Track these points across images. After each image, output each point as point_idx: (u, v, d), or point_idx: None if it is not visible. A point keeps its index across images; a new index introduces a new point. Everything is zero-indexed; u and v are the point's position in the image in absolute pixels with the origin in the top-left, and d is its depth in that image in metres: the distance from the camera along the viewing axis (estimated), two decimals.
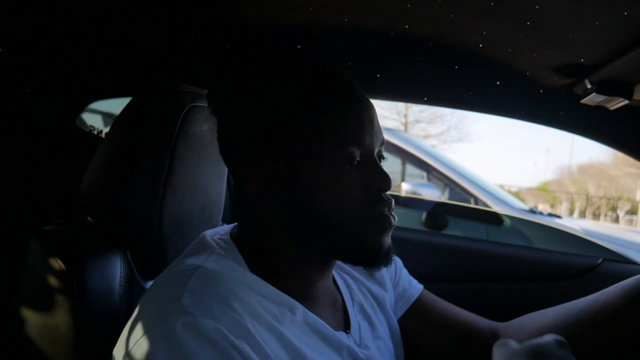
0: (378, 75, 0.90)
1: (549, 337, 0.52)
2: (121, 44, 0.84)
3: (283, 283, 0.60)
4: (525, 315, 0.78)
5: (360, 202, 0.58)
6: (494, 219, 2.28)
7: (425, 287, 0.84)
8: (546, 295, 1.21)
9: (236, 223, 0.69)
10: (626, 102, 0.73)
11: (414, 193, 3.01)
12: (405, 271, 0.83)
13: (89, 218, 0.80)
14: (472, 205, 2.79)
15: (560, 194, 22.50)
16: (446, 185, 3.12)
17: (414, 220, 2.20)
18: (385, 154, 0.64)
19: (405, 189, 3.14)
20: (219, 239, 0.64)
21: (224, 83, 0.65)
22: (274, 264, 0.61)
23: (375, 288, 0.75)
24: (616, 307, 0.65)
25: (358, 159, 0.58)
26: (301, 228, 0.59)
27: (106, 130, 1.26)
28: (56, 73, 1.04)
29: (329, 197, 0.57)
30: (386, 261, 0.61)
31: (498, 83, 0.87)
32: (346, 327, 0.67)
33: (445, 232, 2.12)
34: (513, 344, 0.55)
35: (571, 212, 19.27)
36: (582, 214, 19.37)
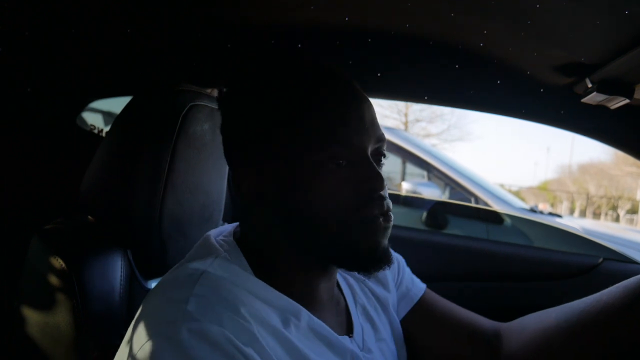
0: (378, 75, 0.90)
1: None
2: (121, 44, 0.84)
3: (286, 286, 0.60)
4: (527, 315, 0.78)
5: (350, 203, 0.56)
6: (495, 218, 2.27)
7: (420, 281, 0.84)
8: (547, 295, 1.21)
9: (237, 223, 0.69)
10: (627, 101, 0.73)
11: (415, 192, 3.01)
12: (408, 270, 0.83)
13: (89, 217, 0.80)
14: (473, 205, 2.79)
15: (560, 193, 22.49)
16: (446, 184, 3.11)
17: (415, 219, 2.20)
18: (385, 153, 0.63)
19: (405, 188, 3.14)
20: (223, 240, 0.64)
21: (227, 83, 0.65)
22: (275, 266, 0.61)
23: (377, 289, 0.75)
24: (618, 307, 0.65)
25: (346, 159, 0.57)
26: (293, 230, 0.59)
27: (106, 129, 1.26)
28: (56, 73, 1.04)
29: (316, 198, 0.56)
30: (380, 265, 0.59)
31: (498, 82, 0.87)
32: (349, 330, 0.67)
33: (445, 231, 2.12)
34: None
35: (572, 211, 19.26)
36: (583, 213, 19.37)
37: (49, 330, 0.70)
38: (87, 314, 0.69)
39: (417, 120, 15.22)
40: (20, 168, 1.17)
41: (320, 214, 0.56)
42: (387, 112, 14.10)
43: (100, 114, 1.54)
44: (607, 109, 0.78)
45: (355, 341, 0.65)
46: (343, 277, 0.73)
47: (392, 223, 0.60)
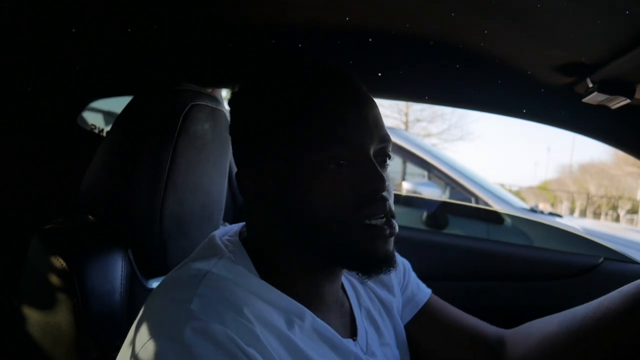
0: (379, 75, 0.90)
1: None
2: (121, 43, 0.84)
3: (289, 287, 0.59)
4: (530, 322, 0.78)
5: (350, 204, 0.56)
6: (495, 217, 2.27)
7: (426, 286, 0.84)
8: (547, 294, 1.21)
9: (244, 223, 0.68)
10: (628, 101, 0.73)
11: (415, 192, 3.01)
12: (413, 275, 0.83)
13: (90, 217, 0.80)
14: (473, 204, 2.79)
15: (561, 193, 22.48)
16: (447, 184, 3.12)
17: (415, 219, 2.20)
18: (390, 154, 0.62)
19: (406, 187, 3.14)
20: (228, 240, 0.63)
21: (230, 83, 0.66)
22: (280, 268, 0.61)
23: (382, 293, 0.75)
24: (619, 312, 0.65)
25: (346, 159, 0.56)
26: (292, 230, 0.59)
27: (107, 129, 1.26)
28: (56, 73, 1.04)
29: (315, 198, 0.56)
30: (382, 269, 0.58)
31: (499, 82, 0.86)
32: (353, 333, 0.66)
33: (446, 231, 2.12)
34: None
35: (572, 211, 19.25)
36: (583, 213, 19.36)
37: (50, 330, 0.70)
38: (88, 314, 0.69)
39: (418, 120, 15.24)
40: (21, 168, 1.17)
41: (319, 214, 0.56)
42: (387, 111, 14.10)
43: (100, 113, 1.54)
44: (608, 108, 0.78)
45: (359, 344, 0.65)
46: (348, 280, 0.73)
47: (397, 229, 0.59)
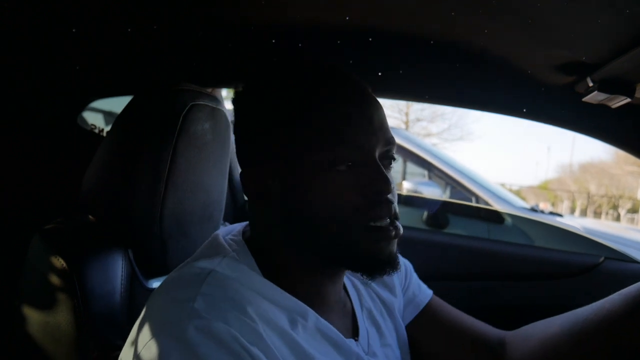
0: (379, 74, 0.89)
1: None
2: (121, 43, 0.84)
3: (292, 286, 0.59)
4: (531, 324, 0.78)
5: (356, 206, 0.56)
6: (495, 217, 2.27)
7: (427, 287, 0.84)
8: (548, 294, 1.20)
9: (247, 222, 0.68)
10: (628, 100, 0.73)
11: (415, 191, 3.01)
12: (415, 276, 0.83)
13: (90, 217, 0.80)
14: (474, 204, 2.79)
15: (561, 193, 22.47)
16: (447, 183, 3.12)
17: (415, 218, 2.20)
18: (395, 156, 0.62)
19: (406, 187, 3.14)
20: (232, 240, 0.63)
21: (231, 83, 0.66)
22: (284, 267, 0.61)
23: (384, 293, 0.75)
24: (620, 315, 0.65)
25: (351, 160, 0.56)
26: (293, 230, 0.59)
27: (107, 128, 1.26)
28: (56, 73, 1.04)
29: (319, 199, 0.56)
30: (384, 270, 0.58)
31: (499, 81, 0.86)
32: (354, 333, 0.66)
33: (446, 230, 2.12)
34: None
35: (572, 211, 19.24)
36: (584, 213, 19.35)
37: (50, 330, 0.70)
38: (88, 314, 0.69)
39: (418, 120, 15.24)
40: (21, 168, 1.17)
41: (320, 214, 0.56)
42: (388, 111, 14.04)
43: (100, 113, 1.54)
44: (608, 108, 0.78)
45: (360, 345, 0.65)
46: (350, 280, 0.73)
47: (401, 231, 0.59)
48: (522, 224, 2.23)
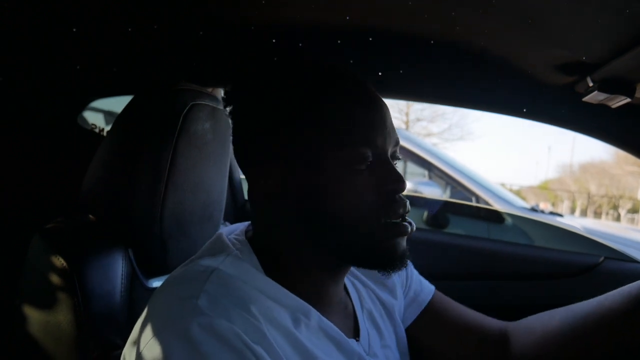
0: (379, 74, 0.89)
1: None
2: (121, 43, 0.84)
3: (296, 286, 0.60)
4: (533, 316, 0.78)
5: (373, 204, 0.57)
6: (496, 217, 2.27)
7: (429, 283, 0.84)
8: (548, 294, 1.21)
9: (250, 222, 0.68)
10: (628, 100, 0.73)
11: (416, 191, 3.01)
12: (415, 273, 0.83)
13: (90, 216, 0.80)
14: (474, 204, 2.79)
15: (561, 193, 22.46)
16: (447, 183, 3.12)
17: (416, 218, 2.20)
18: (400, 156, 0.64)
19: (406, 187, 3.13)
20: (235, 239, 0.63)
21: (238, 83, 0.65)
22: (287, 266, 0.61)
23: (384, 295, 0.75)
24: (620, 313, 0.66)
25: (370, 159, 0.58)
26: (313, 229, 0.59)
27: (108, 128, 1.27)
28: (56, 73, 1.04)
29: (340, 198, 0.57)
30: (401, 265, 0.60)
31: (499, 81, 0.86)
32: (355, 334, 0.67)
33: (446, 230, 2.12)
34: None
35: (572, 211, 19.24)
36: (584, 213, 19.34)
37: (50, 329, 0.70)
38: (88, 313, 0.69)
39: (418, 120, 15.24)
40: (21, 168, 1.17)
41: (340, 212, 0.57)
42: None
43: (101, 113, 1.54)
44: (608, 107, 0.78)
45: (361, 345, 0.65)
46: (350, 282, 0.73)
47: (414, 227, 0.60)
48: (522, 223, 2.23)
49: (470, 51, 0.75)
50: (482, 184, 3.00)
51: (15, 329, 0.73)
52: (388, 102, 0.65)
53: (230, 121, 0.64)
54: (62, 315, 0.69)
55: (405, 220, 0.60)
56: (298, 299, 0.59)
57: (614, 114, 0.80)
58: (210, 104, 0.81)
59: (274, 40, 0.77)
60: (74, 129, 1.26)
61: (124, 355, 0.54)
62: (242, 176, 1.31)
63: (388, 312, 0.74)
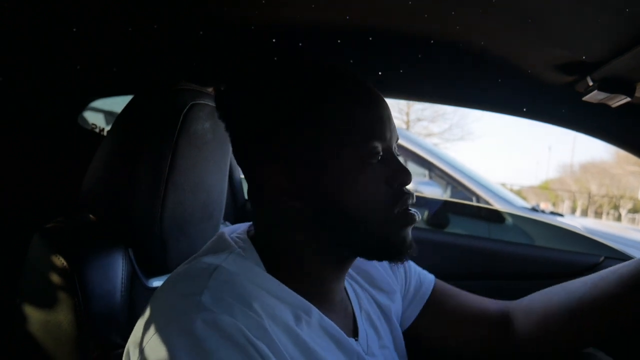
0: (379, 74, 0.90)
1: None
2: (121, 43, 0.84)
3: (299, 285, 0.60)
4: (532, 295, 0.81)
5: (384, 196, 0.59)
6: (496, 217, 2.27)
7: (427, 273, 0.85)
8: None
9: (251, 222, 0.68)
10: (628, 99, 0.73)
11: (416, 191, 3.01)
12: (413, 269, 0.83)
13: (90, 216, 0.80)
14: (474, 204, 2.79)
15: (562, 193, 22.45)
16: (448, 183, 3.11)
17: None
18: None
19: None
20: (237, 237, 0.64)
21: (239, 83, 0.65)
22: (289, 265, 0.61)
23: (381, 299, 0.75)
24: (614, 295, 0.69)
25: (381, 154, 0.59)
26: (325, 225, 0.59)
27: (108, 128, 1.27)
28: (56, 73, 1.04)
29: (354, 192, 0.58)
30: (408, 255, 0.62)
31: (500, 81, 0.86)
32: (354, 334, 0.67)
33: (447, 230, 2.12)
34: None
35: (573, 211, 19.22)
36: (584, 213, 19.33)
37: (50, 329, 0.70)
38: (89, 313, 0.69)
39: (419, 120, 15.23)
40: (21, 168, 1.17)
41: (355, 206, 0.58)
42: None
43: (101, 113, 1.54)
44: (609, 107, 0.78)
45: (360, 344, 0.66)
46: (349, 283, 0.73)
47: (419, 217, 0.63)
48: (523, 223, 2.23)
49: (470, 51, 0.75)
50: (482, 183, 3.00)
51: (16, 328, 0.73)
52: (388, 101, 0.66)
53: (225, 122, 0.64)
54: (63, 315, 0.69)
55: (411, 210, 0.62)
56: (299, 296, 0.59)
57: (614, 114, 0.80)
58: (210, 104, 0.81)
59: (274, 40, 0.77)
60: (74, 129, 1.26)
61: (126, 352, 0.54)
62: (242, 176, 1.30)
63: (385, 314, 0.75)
